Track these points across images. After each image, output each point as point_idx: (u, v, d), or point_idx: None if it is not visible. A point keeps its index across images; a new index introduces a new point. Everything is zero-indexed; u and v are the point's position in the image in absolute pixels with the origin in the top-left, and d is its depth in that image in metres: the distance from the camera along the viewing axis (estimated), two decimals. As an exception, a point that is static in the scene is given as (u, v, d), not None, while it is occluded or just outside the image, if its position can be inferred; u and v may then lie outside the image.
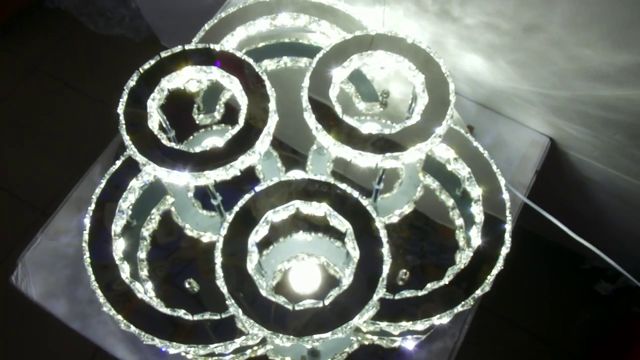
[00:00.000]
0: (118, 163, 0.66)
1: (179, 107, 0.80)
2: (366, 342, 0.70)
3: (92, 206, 0.62)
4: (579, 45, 0.62)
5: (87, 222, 0.62)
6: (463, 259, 0.61)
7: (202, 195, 0.77)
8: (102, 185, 0.64)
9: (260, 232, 0.55)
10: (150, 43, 1.58)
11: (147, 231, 0.72)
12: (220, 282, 0.51)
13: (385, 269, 0.52)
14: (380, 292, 0.52)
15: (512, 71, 0.71)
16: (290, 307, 0.51)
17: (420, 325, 0.57)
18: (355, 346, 0.70)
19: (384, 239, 0.54)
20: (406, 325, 0.57)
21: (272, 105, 0.61)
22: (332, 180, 0.57)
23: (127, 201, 0.64)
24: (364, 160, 0.59)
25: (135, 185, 0.65)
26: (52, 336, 1.28)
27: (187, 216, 0.76)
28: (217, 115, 0.82)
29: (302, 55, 0.89)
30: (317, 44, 0.90)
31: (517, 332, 1.24)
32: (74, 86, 1.56)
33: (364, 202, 0.56)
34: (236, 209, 0.55)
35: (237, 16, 0.76)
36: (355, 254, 0.54)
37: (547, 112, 0.76)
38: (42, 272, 0.70)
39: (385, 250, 0.53)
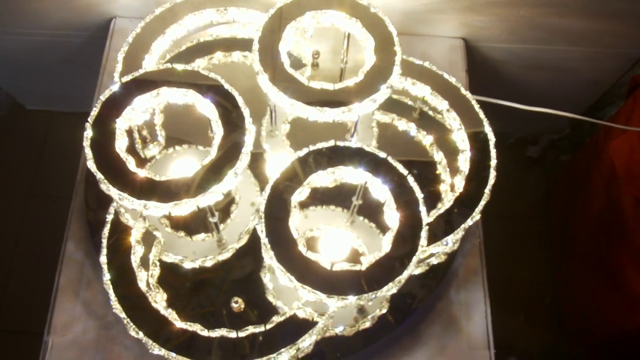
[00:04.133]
0: (107, 226, 0.61)
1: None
2: (404, 278, 0.73)
3: (107, 276, 0.58)
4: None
5: (111, 293, 0.57)
6: (462, 162, 0.66)
7: (179, 224, 0.74)
8: (104, 252, 0.59)
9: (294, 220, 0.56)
10: (17, 112, 1.43)
11: (152, 279, 0.69)
12: (289, 278, 0.52)
13: (420, 196, 0.56)
14: (426, 218, 0.55)
15: (423, -12, 0.76)
16: (358, 268, 0.53)
17: (461, 232, 0.61)
18: (395, 289, 0.74)
19: (405, 172, 0.57)
20: (449, 237, 0.61)
21: (240, 101, 0.60)
22: (333, 142, 0.58)
23: (137, 255, 0.60)
24: (348, 115, 0.61)
25: (137, 237, 0.61)
26: None
27: (180, 249, 0.73)
28: (162, 141, 0.78)
29: (212, 52, 0.87)
30: (220, 36, 0.88)
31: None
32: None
33: (368, 148, 0.58)
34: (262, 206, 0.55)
35: (146, 35, 0.72)
36: (387, 196, 0.56)
37: (458, 16, 0.82)
38: (72, 370, 0.64)
39: (412, 181, 0.56)
